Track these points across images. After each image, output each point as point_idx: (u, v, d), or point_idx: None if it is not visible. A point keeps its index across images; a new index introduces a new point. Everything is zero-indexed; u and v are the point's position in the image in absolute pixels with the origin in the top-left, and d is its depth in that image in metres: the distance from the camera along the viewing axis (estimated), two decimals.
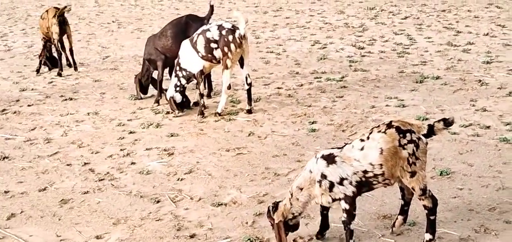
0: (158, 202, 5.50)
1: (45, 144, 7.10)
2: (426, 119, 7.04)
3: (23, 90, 9.48)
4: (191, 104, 8.06)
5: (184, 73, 7.68)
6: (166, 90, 7.95)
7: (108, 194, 5.71)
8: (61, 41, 10.41)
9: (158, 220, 5.18)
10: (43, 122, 7.91)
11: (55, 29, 10.07)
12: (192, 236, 4.85)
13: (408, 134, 4.18)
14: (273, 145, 6.68)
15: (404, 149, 4.14)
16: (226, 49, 7.34)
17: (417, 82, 8.65)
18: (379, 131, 4.20)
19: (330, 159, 4.24)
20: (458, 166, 5.84)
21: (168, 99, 7.80)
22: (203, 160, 6.39)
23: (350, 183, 4.20)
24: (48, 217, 5.30)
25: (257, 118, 7.57)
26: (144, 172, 6.14)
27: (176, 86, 7.74)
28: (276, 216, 4.38)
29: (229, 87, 7.59)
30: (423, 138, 4.26)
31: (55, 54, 10.48)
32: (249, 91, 7.70)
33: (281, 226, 4.37)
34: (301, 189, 4.34)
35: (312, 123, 7.27)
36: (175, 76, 7.73)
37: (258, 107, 7.94)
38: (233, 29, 7.37)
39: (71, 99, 8.87)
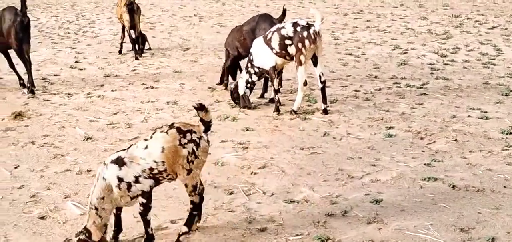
0: (231, 193, 5.58)
1: (126, 128, 7.36)
2: (511, 134, 6.76)
3: (107, 76, 9.87)
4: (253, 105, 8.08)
5: (256, 69, 7.78)
6: (236, 86, 8.03)
7: None
8: (133, 27, 10.79)
9: (230, 211, 5.25)
10: (125, 107, 8.20)
11: (125, 16, 10.59)
12: (262, 230, 4.88)
13: (188, 134, 4.39)
14: (348, 147, 6.61)
15: (184, 147, 4.34)
16: (300, 45, 7.38)
17: (502, 94, 8.31)
18: (162, 131, 4.39)
19: (120, 162, 4.31)
20: None
21: (241, 95, 7.90)
22: (277, 156, 6.41)
23: (145, 178, 4.34)
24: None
25: (333, 119, 7.52)
26: (219, 164, 6.24)
27: (247, 82, 7.86)
28: (95, 235, 4.31)
29: (305, 84, 7.59)
30: (205, 136, 4.52)
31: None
32: (323, 90, 7.68)
33: (104, 239, 4.37)
34: (103, 198, 4.31)
35: (389, 128, 7.14)
36: (247, 72, 7.84)
37: (334, 109, 7.88)
38: (307, 26, 7.43)
39: (152, 87, 9.14)
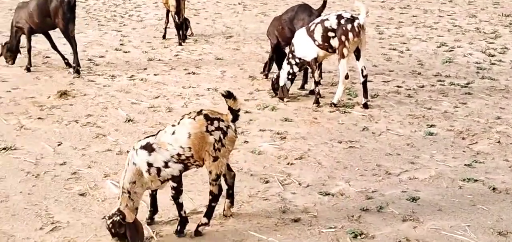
0: (267, 182, 5.60)
1: (166, 112, 7.46)
2: None
3: (150, 59, 10.01)
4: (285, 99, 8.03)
5: (297, 60, 7.75)
6: (277, 77, 8.01)
7: None
8: (178, 12, 10.88)
9: (265, 199, 5.27)
10: (167, 92, 8.31)
11: (171, 1, 10.73)
12: (296, 220, 4.90)
13: (215, 121, 4.41)
14: (387, 143, 6.54)
15: (211, 135, 4.35)
16: (343, 38, 7.32)
17: None
18: (189, 117, 4.43)
19: (149, 148, 4.37)
20: None
21: (280, 86, 7.89)
22: (314, 148, 6.40)
23: (175, 163, 4.39)
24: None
25: (373, 114, 7.44)
26: (256, 152, 6.26)
27: (288, 73, 7.83)
28: (129, 217, 4.36)
29: (346, 77, 7.54)
30: (232, 125, 4.52)
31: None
32: (364, 84, 7.60)
33: (138, 222, 4.43)
34: (134, 183, 4.38)
35: (430, 126, 7.02)
36: (288, 63, 7.82)
37: (375, 104, 7.80)
38: (352, 19, 7.36)
39: (193, 73, 9.23)
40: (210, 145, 4.42)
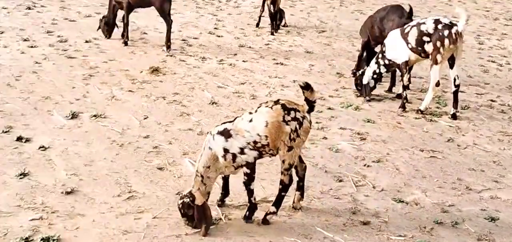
0: (340, 181, 5.55)
1: (250, 99, 7.56)
2: None
3: (241, 46, 10.17)
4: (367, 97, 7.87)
5: (386, 62, 7.58)
6: (361, 74, 7.88)
7: None
8: (273, 2, 10.93)
9: (336, 198, 5.23)
10: (253, 79, 8.42)
11: None
12: (365, 223, 4.82)
13: (292, 112, 4.43)
14: (472, 158, 6.27)
15: (287, 124, 4.37)
16: (438, 44, 7.08)
17: None
18: (267, 106, 4.47)
19: (226, 134, 4.43)
20: None
21: (363, 84, 7.76)
22: (394, 153, 6.26)
23: (250, 150, 4.45)
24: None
25: (461, 126, 7.15)
26: (334, 149, 6.22)
27: (374, 73, 7.69)
28: (199, 200, 4.46)
29: (437, 84, 7.29)
30: (308, 116, 4.54)
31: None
32: (455, 94, 7.32)
33: (207, 206, 4.51)
34: (209, 167, 4.46)
35: None
36: (376, 63, 7.67)
37: (464, 116, 7.49)
38: (450, 25, 7.10)
39: (281, 64, 9.28)
40: (286, 134, 4.45)
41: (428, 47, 7.21)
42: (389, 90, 8.31)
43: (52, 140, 5.94)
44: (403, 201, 5.24)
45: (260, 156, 4.57)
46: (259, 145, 4.47)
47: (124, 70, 8.38)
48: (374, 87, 7.87)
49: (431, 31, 7.15)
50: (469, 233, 4.79)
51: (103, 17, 9.82)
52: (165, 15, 9.29)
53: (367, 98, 7.78)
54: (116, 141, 6.05)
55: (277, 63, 9.27)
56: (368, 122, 7.09)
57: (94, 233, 4.43)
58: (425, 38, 7.19)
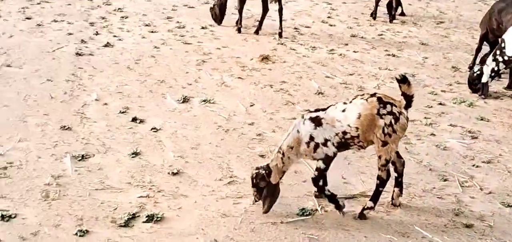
0: (445, 180, 5.36)
1: (357, 90, 7.47)
2: None
3: (353, 36, 10.05)
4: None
5: (505, 58, 7.09)
6: (478, 71, 7.43)
7: None
8: None
9: (439, 197, 5.06)
10: (362, 70, 8.30)
11: None
12: (468, 226, 4.63)
13: (388, 106, 4.34)
14: None
15: (381, 118, 4.29)
16: None
17: None
18: (362, 98, 4.43)
19: (317, 121, 4.39)
20: None
21: (483, 83, 7.32)
22: (508, 154, 5.91)
23: (333, 144, 4.40)
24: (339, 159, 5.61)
25: None
26: (441, 147, 6.00)
27: (492, 71, 7.22)
28: (274, 177, 4.48)
29: None
30: (405, 112, 4.42)
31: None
32: None
33: (278, 186, 4.55)
34: (292, 148, 4.44)
35: None
36: (494, 60, 7.21)
37: None
38: None
39: (393, 55, 9.06)
40: (380, 128, 4.38)
41: None
42: (509, 87, 7.82)
43: (163, 122, 6.28)
44: None
45: (347, 147, 4.53)
46: (348, 136, 4.44)
47: (235, 57, 8.62)
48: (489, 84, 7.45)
49: None
50: None
51: (214, 4, 10.10)
52: (266, 5, 9.40)
53: (486, 96, 7.35)
54: (222, 126, 6.26)
55: (388, 55, 9.06)
56: (482, 120, 6.75)
57: (195, 214, 4.65)
58: None
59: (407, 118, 4.50)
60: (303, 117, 4.56)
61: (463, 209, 4.88)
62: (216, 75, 7.83)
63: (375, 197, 4.66)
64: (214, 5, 10.15)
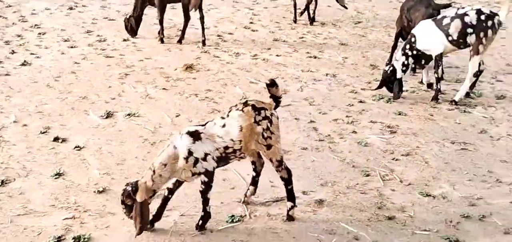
0: (367, 175, 5.56)
1: (281, 93, 7.59)
2: None
3: (276, 40, 10.21)
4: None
5: (414, 53, 7.42)
6: (390, 68, 7.73)
7: (323, 155, 5.95)
8: None
9: (362, 193, 5.25)
10: (285, 74, 8.46)
11: None
12: (390, 218, 4.83)
13: (262, 111, 4.47)
14: (505, 149, 6.17)
15: (258, 125, 4.41)
16: (482, 34, 7.05)
17: None
18: (237, 109, 4.45)
19: (196, 136, 4.33)
20: None
21: (397, 79, 7.61)
22: (424, 146, 6.21)
23: (212, 159, 4.36)
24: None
25: (495, 116, 7.02)
26: (362, 143, 6.22)
27: (403, 64, 7.49)
28: (139, 196, 4.29)
29: (475, 75, 7.23)
30: (275, 113, 4.57)
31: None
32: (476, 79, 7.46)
33: (146, 206, 4.32)
34: (165, 165, 4.32)
35: None
36: (403, 54, 7.48)
37: (500, 105, 7.35)
38: (492, 15, 7.06)
39: (315, 57, 9.28)
40: (259, 134, 4.48)
41: (471, 39, 7.12)
42: (422, 82, 8.19)
43: (87, 140, 6.16)
44: (430, 195, 5.22)
45: (225, 163, 4.52)
46: (229, 150, 4.42)
47: (159, 68, 8.57)
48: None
49: (474, 22, 7.07)
50: (496, 226, 4.74)
51: (130, 16, 9.89)
52: (188, 14, 9.42)
53: (397, 96, 7.59)
54: (148, 139, 6.22)
55: (310, 57, 9.28)
56: (400, 114, 7.05)
57: (123, 231, 4.60)
58: (469, 30, 7.10)
59: (277, 118, 4.62)
60: (180, 132, 4.44)
61: (385, 202, 5.09)
62: (140, 87, 7.76)
63: (289, 196, 4.78)
64: (129, 16, 9.90)
